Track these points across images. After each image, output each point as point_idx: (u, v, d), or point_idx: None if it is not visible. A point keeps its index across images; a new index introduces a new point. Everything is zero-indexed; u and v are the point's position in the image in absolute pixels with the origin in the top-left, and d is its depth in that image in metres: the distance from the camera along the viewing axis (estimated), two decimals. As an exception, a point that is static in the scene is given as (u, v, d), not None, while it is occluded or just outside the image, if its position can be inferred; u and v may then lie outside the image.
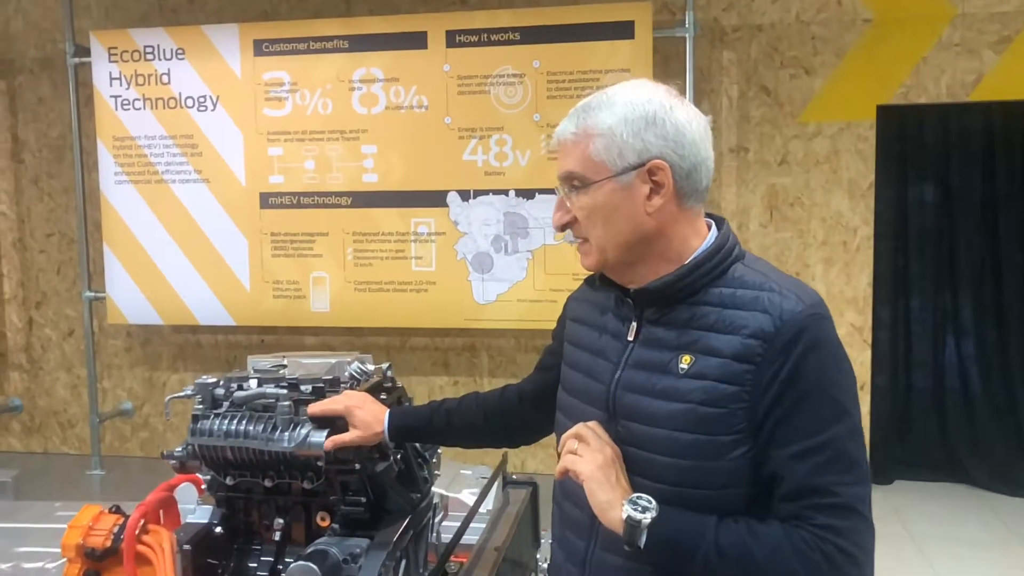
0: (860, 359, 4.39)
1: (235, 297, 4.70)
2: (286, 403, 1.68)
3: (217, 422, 1.71)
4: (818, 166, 4.37)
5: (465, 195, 4.37)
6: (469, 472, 2.71)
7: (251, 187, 4.60)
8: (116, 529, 1.82)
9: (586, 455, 1.24)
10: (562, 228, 1.31)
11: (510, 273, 4.35)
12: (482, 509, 2.30)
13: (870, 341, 4.43)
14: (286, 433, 1.66)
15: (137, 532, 1.82)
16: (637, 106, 1.23)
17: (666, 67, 4.29)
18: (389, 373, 1.87)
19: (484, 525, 2.11)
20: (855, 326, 4.39)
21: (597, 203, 1.25)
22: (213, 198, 4.65)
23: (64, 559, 1.85)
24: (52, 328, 5.28)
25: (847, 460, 1.16)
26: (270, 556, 1.80)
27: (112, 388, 5.20)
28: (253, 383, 1.82)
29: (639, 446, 1.23)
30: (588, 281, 1.45)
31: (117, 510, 1.89)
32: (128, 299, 4.81)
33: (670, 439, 1.20)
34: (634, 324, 1.29)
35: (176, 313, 4.80)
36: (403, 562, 1.76)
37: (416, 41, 4.34)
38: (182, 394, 1.86)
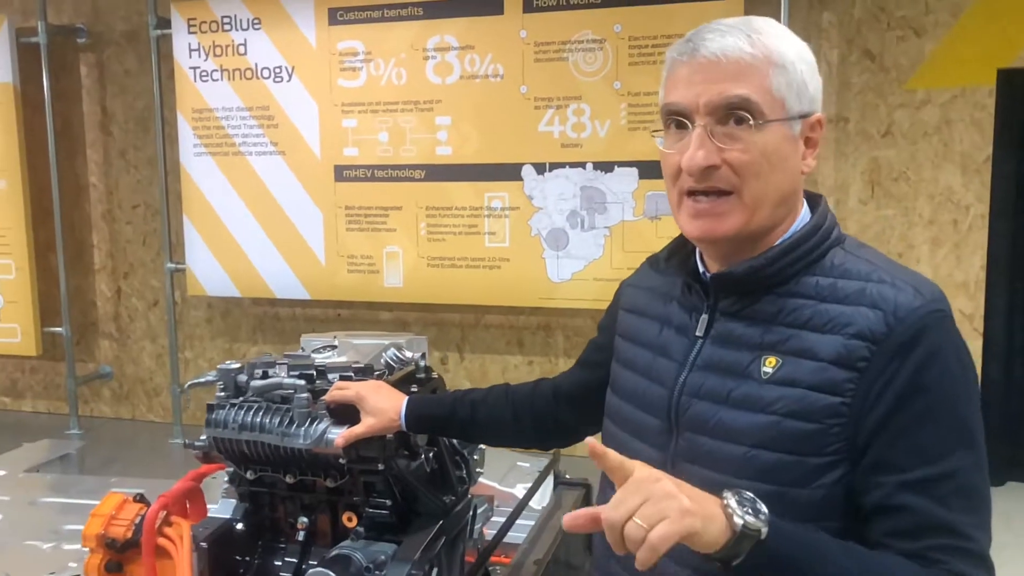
0: (970, 349, 4.00)
1: (310, 271, 4.66)
2: (303, 395, 1.55)
3: (233, 413, 1.59)
4: (927, 137, 3.98)
5: (540, 168, 4.18)
6: (527, 465, 2.56)
7: (326, 159, 4.53)
8: (138, 519, 1.75)
9: (644, 507, 0.85)
10: (705, 171, 1.02)
11: (586, 250, 4.14)
12: (536, 505, 2.15)
13: (981, 330, 4.04)
14: (303, 428, 1.53)
15: (159, 524, 1.74)
16: (806, 50, 1.05)
17: (759, 30, 3.97)
18: (423, 363, 1.72)
19: (533, 523, 1.95)
20: (965, 313, 4.01)
21: (769, 146, 1.02)
22: (289, 170, 4.61)
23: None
24: (139, 298, 5.38)
25: (976, 497, 0.94)
26: (295, 556, 1.69)
27: (194, 358, 5.27)
28: (277, 371, 1.70)
29: (707, 465, 1.02)
30: (651, 262, 1.23)
31: (141, 499, 1.81)
32: (207, 271, 4.84)
33: (747, 458, 0.98)
34: (704, 317, 1.08)
35: (253, 286, 4.80)
36: (434, 570, 1.62)
37: (492, 6, 4.15)
38: (203, 380, 1.76)
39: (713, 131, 1.02)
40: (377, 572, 1.56)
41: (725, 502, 0.87)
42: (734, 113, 1.02)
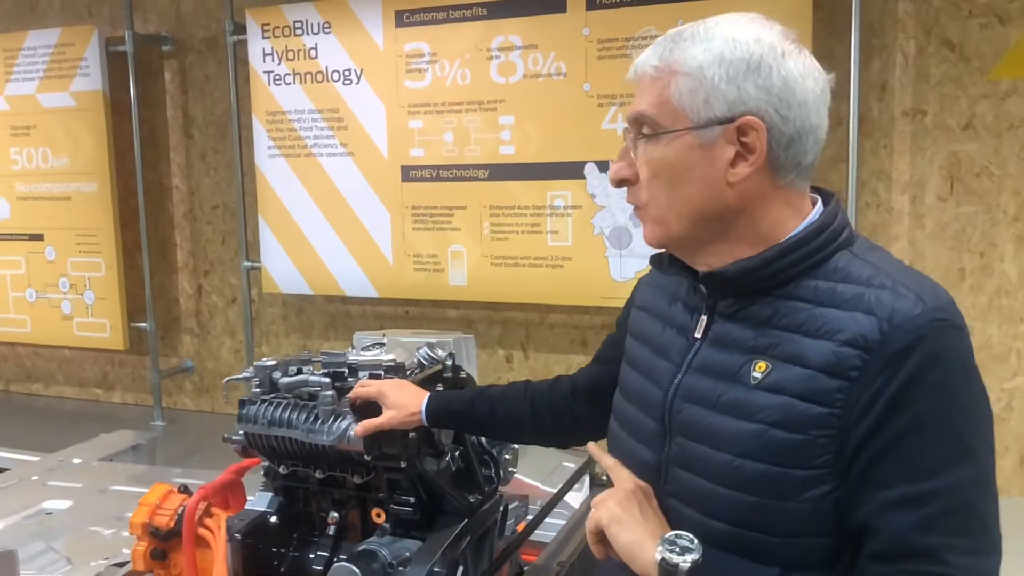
0: (1058, 354, 3.79)
1: (378, 269, 4.75)
2: (328, 393, 1.58)
3: (262, 409, 1.64)
4: (1012, 130, 3.77)
5: (603, 166, 4.14)
6: (571, 465, 2.55)
7: (393, 160, 4.61)
8: (181, 509, 1.82)
9: (602, 497, 1.04)
10: (619, 184, 1.06)
11: (649, 249, 4.07)
12: (575, 504, 2.14)
13: (1070, 334, 3.81)
14: (326, 425, 1.57)
15: (199, 515, 1.81)
16: (740, 44, 0.98)
17: (830, 24, 3.85)
18: (449, 362, 1.73)
19: (565, 523, 1.95)
20: (1052, 316, 3.80)
21: (667, 159, 1.00)
22: (358, 171, 4.70)
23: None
24: (218, 295, 5.58)
25: (967, 517, 0.88)
26: (327, 549, 1.73)
27: (270, 354, 5.41)
28: (311, 368, 1.74)
29: (696, 471, 1.01)
30: (655, 260, 1.21)
31: (185, 490, 1.89)
32: (281, 269, 4.98)
33: (732, 467, 0.96)
34: (703, 318, 1.06)
35: (324, 284, 4.92)
36: (459, 568, 1.63)
37: (555, 5, 4.14)
38: (240, 376, 1.82)
39: (633, 144, 1.04)
40: (401, 568, 1.58)
41: (658, 540, 0.96)
42: (638, 126, 1.03)
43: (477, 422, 1.52)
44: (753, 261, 0.99)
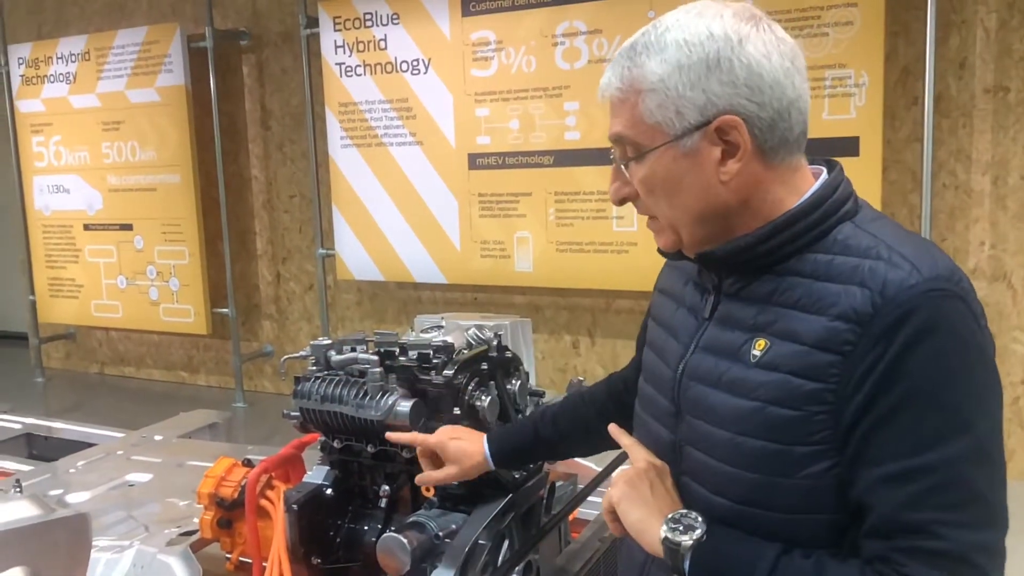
0: None
1: (447, 256, 4.83)
2: (377, 370, 1.64)
3: (316, 385, 1.72)
4: (1101, 106, 3.59)
5: (669, 151, 4.11)
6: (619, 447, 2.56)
7: (460, 148, 4.67)
8: (244, 482, 1.91)
9: (619, 475, 1.06)
10: (621, 202, 1.07)
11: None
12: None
13: None
14: (375, 401, 1.63)
15: (261, 487, 1.90)
16: (694, 47, 0.96)
17: (905, -2, 3.73)
18: (495, 342, 1.77)
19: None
20: None
21: (657, 175, 1.00)
22: (426, 160, 4.78)
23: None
24: (296, 282, 5.76)
25: (961, 491, 0.86)
26: (380, 522, 1.80)
27: (344, 339, 5.59)
28: (365, 347, 1.81)
29: (703, 450, 1.02)
30: (661, 248, 1.23)
31: (248, 464, 1.98)
32: (354, 256, 5.11)
33: (733, 444, 0.97)
34: (711, 298, 1.06)
35: (395, 270, 5.03)
36: (504, 542, 1.67)
37: (619, -11, 4.13)
38: (298, 355, 1.90)
39: (622, 164, 1.04)
40: (447, 540, 1.63)
41: (663, 518, 0.99)
42: (622, 147, 1.03)
43: (545, 446, 1.48)
44: (746, 239, 0.96)
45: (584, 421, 1.46)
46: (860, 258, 0.93)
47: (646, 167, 1.01)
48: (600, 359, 4.76)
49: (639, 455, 1.07)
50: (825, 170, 1.03)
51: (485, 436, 1.50)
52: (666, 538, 0.96)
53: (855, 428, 0.89)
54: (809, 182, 1.01)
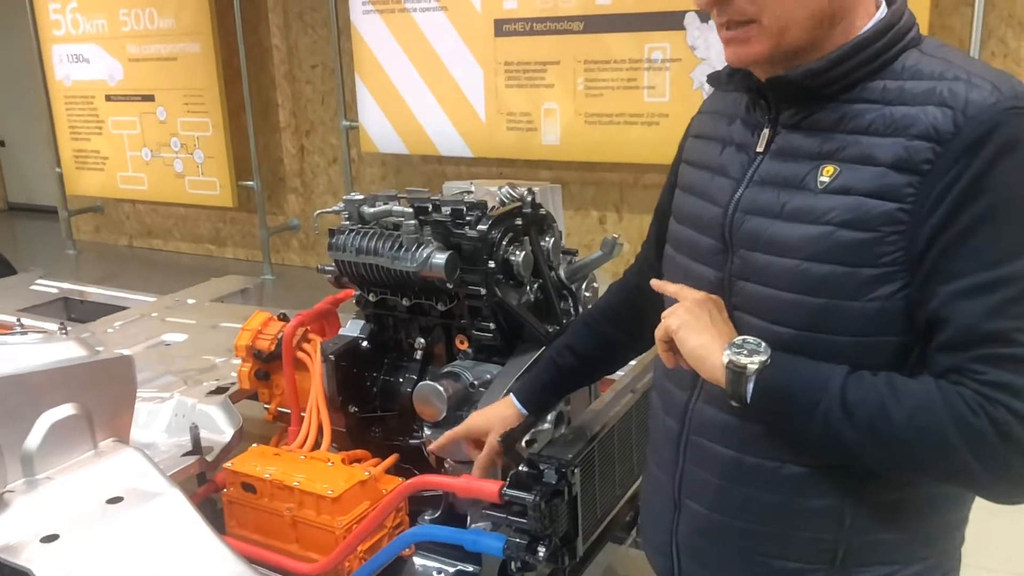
0: None
1: (472, 128, 4.75)
2: (412, 222, 1.64)
3: (351, 238, 1.72)
4: None
5: (705, 16, 3.95)
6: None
7: (486, 13, 4.52)
8: (280, 335, 1.94)
9: (674, 307, 1.05)
10: (717, 5, 0.98)
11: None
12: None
13: None
14: (410, 252, 1.63)
15: (297, 340, 1.93)
16: None
17: None
18: (529, 198, 1.75)
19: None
20: None
21: None
22: (451, 26, 4.64)
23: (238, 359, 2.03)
24: (319, 155, 5.72)
25: None
26: (415, 373, 1.83)
27: (369, 213, 5.59)
28: (395, 201, 1.80)
29: (760, 281, 1.00)
30: (713, 79, 1.18)
31: (283, 318, 2.01)
32: (378, 128, 5.05)
33: (798, 271, 0.96)
34: (766, 132, 1.03)
35: (420, 143, 4.97)
36: (537, 394, 1.71)
37: None
38: (331, 209, 1.90)
39: None
40: (482, 389, 1.66)
41: (725, 344, 0.98)
42: None
43: (572, 373, 1.42)
44: (819, 63, 0.95)
45: (603, 338, 1.41)
46: (935, 81, 0.92)
47: None
48: (627, 235, 4.73)
49: (689, 294, 1.06)
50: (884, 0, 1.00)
51: (510, 394, 1.45)
52: (731, 361, 0.96)
53: (932, 245, 0.89)
54: (873, 11, 0.98)
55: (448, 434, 1.47)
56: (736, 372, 0.96)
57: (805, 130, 0.99)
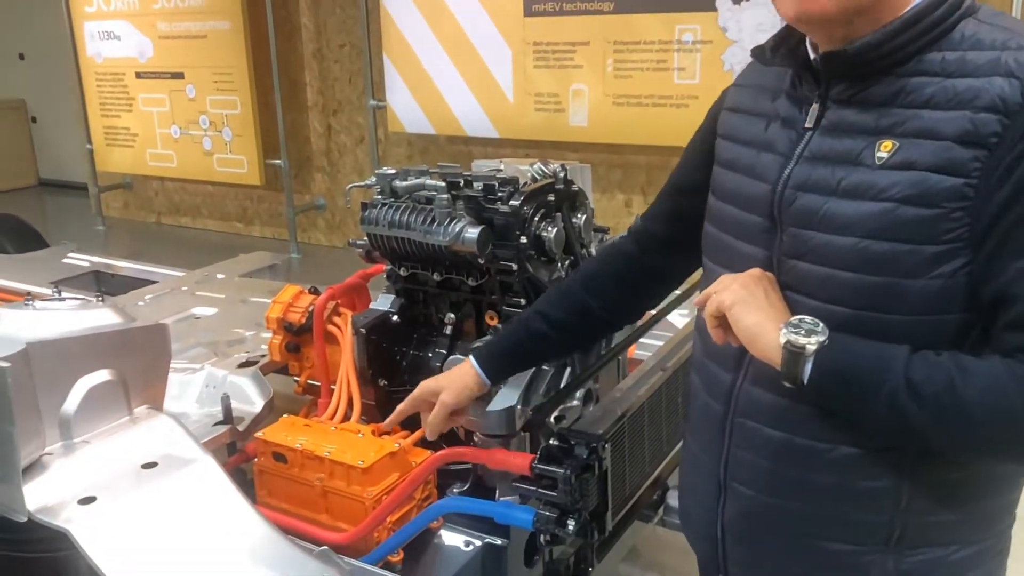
0: None
1: (499, 109, 4.74)
2: (444, 196, 1.63)
3: (383, 212, 1.72)
4: None
5: (738, -4, 3.92)
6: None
7: (516, -8, 4.50)
8: (311, 308, 1.96)
9: (725, 281, 1.01)
10: None
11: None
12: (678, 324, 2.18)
13: None
14: (442, 227, 1.63)
15: (328, 313, 1.94)
16: None
17: None
18: (561, 174, 1.74)
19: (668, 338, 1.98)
20: None
21: None
22: (480, 6, 4.63)
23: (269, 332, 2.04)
24: (347, 135, 5.73)
25: None
26: (444, 348, 1.84)
27: (395, 193, 5.60)
28: (426, 177, 1.80)
29: (813, 260, 0.98)
30: (756, 53, 1.15)
31: (314, 291, 2.02)
32: (405, 108, 5.05)
33: (856, 249, 0.93)
34: (815, 107, 1.01)
35: (447, 123, 4.97)
36: (567, 368, 1.71)
37: None
38: (364, 183, 1.90)
39: None
40: (512, 364, 1.66)
41: (781, 323, 0.95)
42: None
43: (541, 343, 1.38)
44: (875, 36, 0.92)
45: (577, 304, 1.37)
46: (998, 50, 0.89)
47: None
48: (653, 217, 4.71)
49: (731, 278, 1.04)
50: None
51: (470, 357, 1.41)
52: (788, 341, 0.93)
53: (999, 220, 0.87)
54: None
55: (398, 409, 1.44)
56: (793, 352, 0.93)
57: (857, 105, 0.96)
